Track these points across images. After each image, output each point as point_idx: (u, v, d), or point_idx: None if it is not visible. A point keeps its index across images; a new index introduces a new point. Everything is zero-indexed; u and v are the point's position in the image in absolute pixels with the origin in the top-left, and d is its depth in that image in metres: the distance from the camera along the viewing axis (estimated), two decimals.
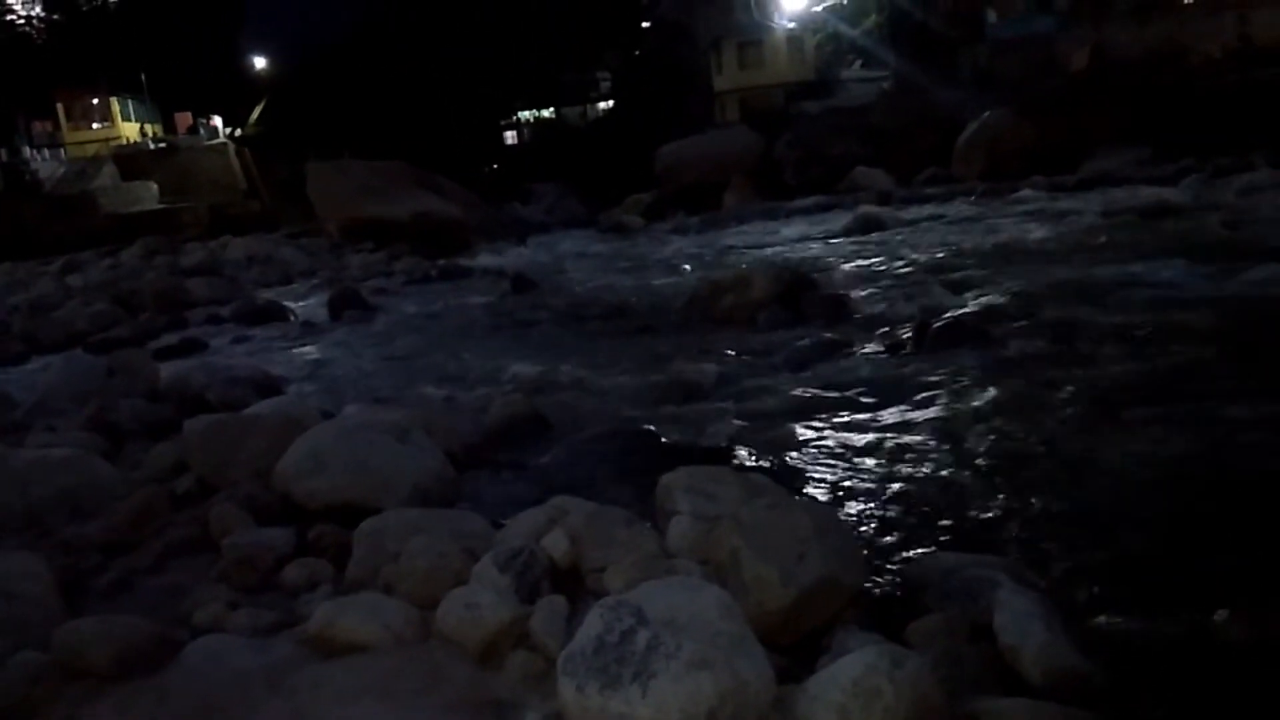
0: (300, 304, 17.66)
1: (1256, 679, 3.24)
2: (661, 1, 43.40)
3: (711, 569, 3.87)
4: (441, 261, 22.07)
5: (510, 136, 47.93)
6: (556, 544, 4.14)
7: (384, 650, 3.67)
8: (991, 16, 35.76)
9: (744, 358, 9.27)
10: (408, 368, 10.53)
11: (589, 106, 47.95)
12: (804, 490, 5.41)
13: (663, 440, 6.39)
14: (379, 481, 5.29)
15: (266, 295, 18.73)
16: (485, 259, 23.26)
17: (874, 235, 19.28)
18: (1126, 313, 9.35)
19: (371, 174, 29.43)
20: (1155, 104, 25.56)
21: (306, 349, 12.85)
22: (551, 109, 48.81)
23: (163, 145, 48.52)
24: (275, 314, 16.09)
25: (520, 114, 48.83)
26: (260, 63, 53.63)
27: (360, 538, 4.57)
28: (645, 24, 45.39)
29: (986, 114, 27.68)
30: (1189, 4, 31.86)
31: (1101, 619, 3.73)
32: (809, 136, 32.34)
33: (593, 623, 3.09)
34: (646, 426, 6.75)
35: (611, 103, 46.88)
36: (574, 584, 4.05)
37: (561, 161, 37.55)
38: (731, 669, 2.91)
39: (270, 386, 8.90)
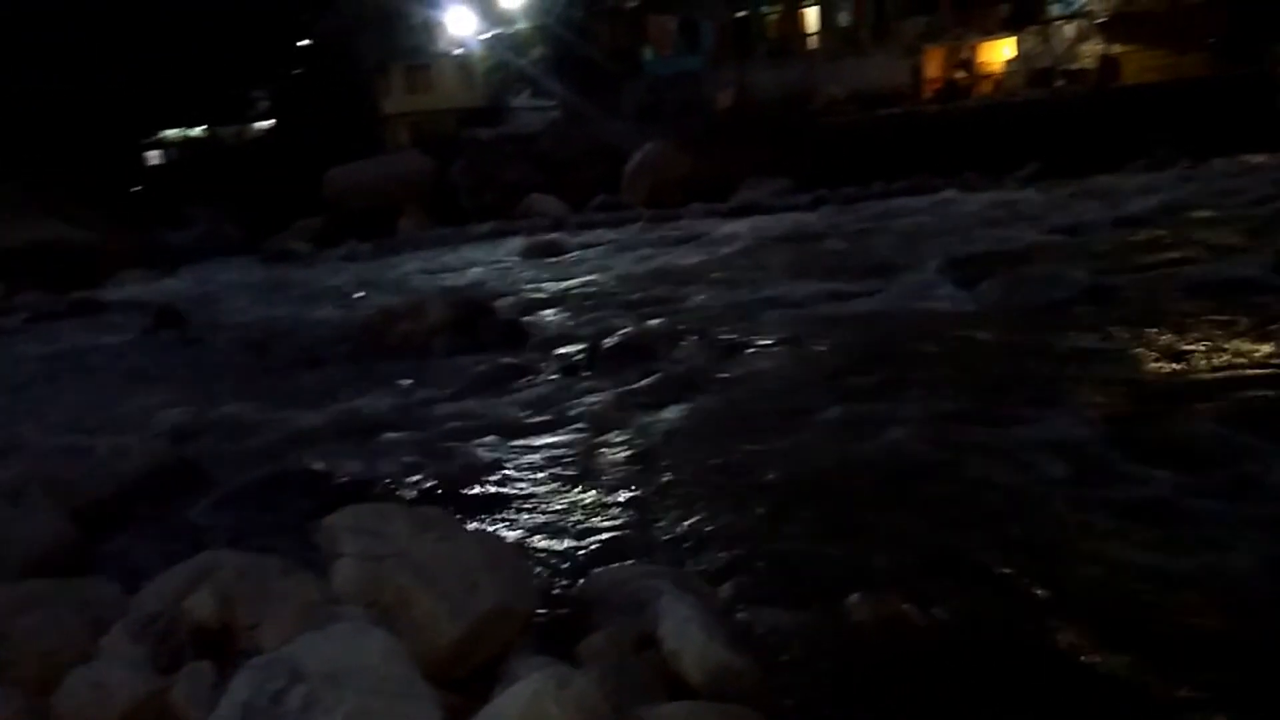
0: None
1: (880, 653, 3.62)
2: (321, 20, 41.70)
3: (379, 611, 3.69)
4: (73, 295, 19.60)
5: (155, 156, 43.79)
6: (202, 604, 3.75)
7: None
8: (648, 54, 38.04)
9: (419, 387, 9.05)
10: (23, 417, 9.16)
11: (245, 126, 44.95)
12: (478, 519, 5.35)
13: (330, 480, 6.06)
14: None
15: None
16: (127, 290, 21.05)
17: (549, 260, 19.71)
18: (776, 328, 10.20)
19: None
20: (790, 139, 28.43)
21: None
22: (202, 128, 45.21)
23: None
24: None
25: (166, 132, 44.75)
26: None
27: None
28: (304, 42, 43.38)
29: (648, 145, 29.32)
30: (815, 50, 35.83)
31: (755, 614, 3.99)
32: (482, 162, 32.51)
33: (239, 687, 2.82)
34: (312, 466, 6.37)
35: (271, 122, 44.28)
36: (225, 646, 3.69)
37: (217, 184, 34.78)
38: (396, 716, 2.77)
39: None
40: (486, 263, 20.74)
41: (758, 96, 33.21)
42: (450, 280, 18.20)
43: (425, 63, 42.38)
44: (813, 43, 36.18)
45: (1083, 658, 3.53)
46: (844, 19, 35.77)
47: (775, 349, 9.21)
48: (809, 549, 4.73)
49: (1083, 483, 5.08)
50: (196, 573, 4.03)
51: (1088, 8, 30.74)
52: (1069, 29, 30.98)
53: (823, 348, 9.12)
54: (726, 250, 18.18)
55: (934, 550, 4.54)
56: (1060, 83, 29.49)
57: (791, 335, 9.68)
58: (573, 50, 38.47)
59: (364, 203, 30.47)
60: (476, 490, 5.95)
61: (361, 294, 17.33)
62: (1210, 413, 5.96)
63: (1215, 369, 7.04)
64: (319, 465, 6.42)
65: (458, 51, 43.50)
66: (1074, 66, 30.14)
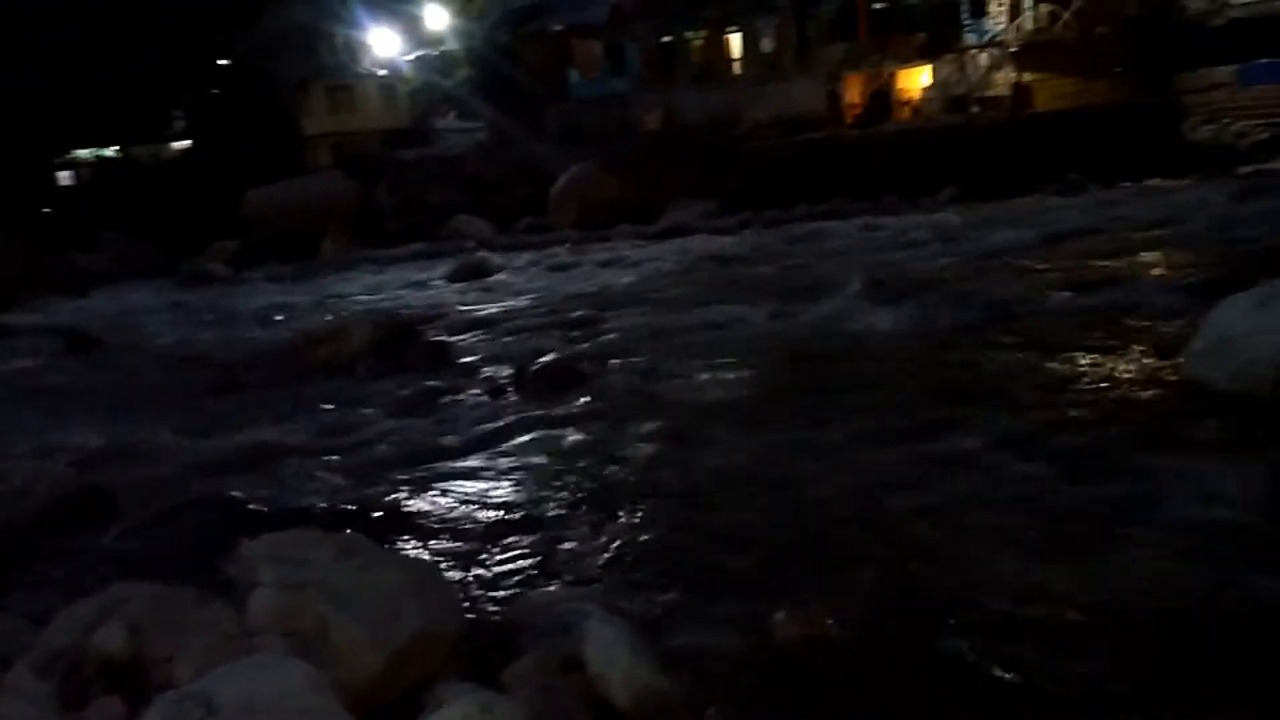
0: None
1: (805, 668, 3.67)
2: (240, 39, 40.93)
3: (299, 641, 3.60)
4: None
5: (66, 177, 42.35)
6: (112, 637, 3.62)
7: None
8: (574, 76, 38.21)
9: (341, 410, 8.90)
10: None
11: (161, 146, 43.77)
12: (402, 544, 5.27)
13: (248, 507, 5.91)
14: None
15: None
16: (37, 315, 20.27)
17: (476, 282, 19.58)
18: (701, 351, 10.27)
19: None
20: (717, 162, 28.79)
21: None
22: (115, 147, 43.90)
23: None
24: None
25: (77, 152, 43.33)
26: None
27: None
28: (223, 61, 42.50)
29: (575, 167, 29.39)
30: (739, 75, 36.40)
31: (683, 635, 4.01)
32: (408, 184, 32.19)
33: None
34: (231, 493, 6.21)
35: (188, 142, 43.20)
36: (136, 680, 3.56)
37: (131, 205, 33.74)
38: None
39: None
40: (412, 285, 20.50)
41: (684, 120, 33.57)
42: (374, 302, 17.95)
43: (348, 83, 41.89)
44: (737, 68, 36.76)
45: (1004, 664, 3.62)
46: (767, 45, 36.44)
47: (701, 371, 9.28)
48: (735, 568, 4.77)
49: (992, 496, 5.24)
50: (106, 605, 3.89)
51: (1001, 37, 31.87)
52: (983, 57, 32.05)
53: (748, 370, 9.22)
54: (653, 272, 18.29)
55: (856, 565, 4.62)
56: (975, 109, 30.47)
57: (717, 358, 9.76)
58: (499, 72, 38.42)
59: (285, 224, 29.88)
60: (400, 515, 5.86)
61: (282, 317, 16.98)
62: (1105, 427, 6.24)
63: (1110, 385, 7.37)
64: (237, 492, 6.26)
65: (381, 72, 43.11)
66: (988, 94, 31.16)
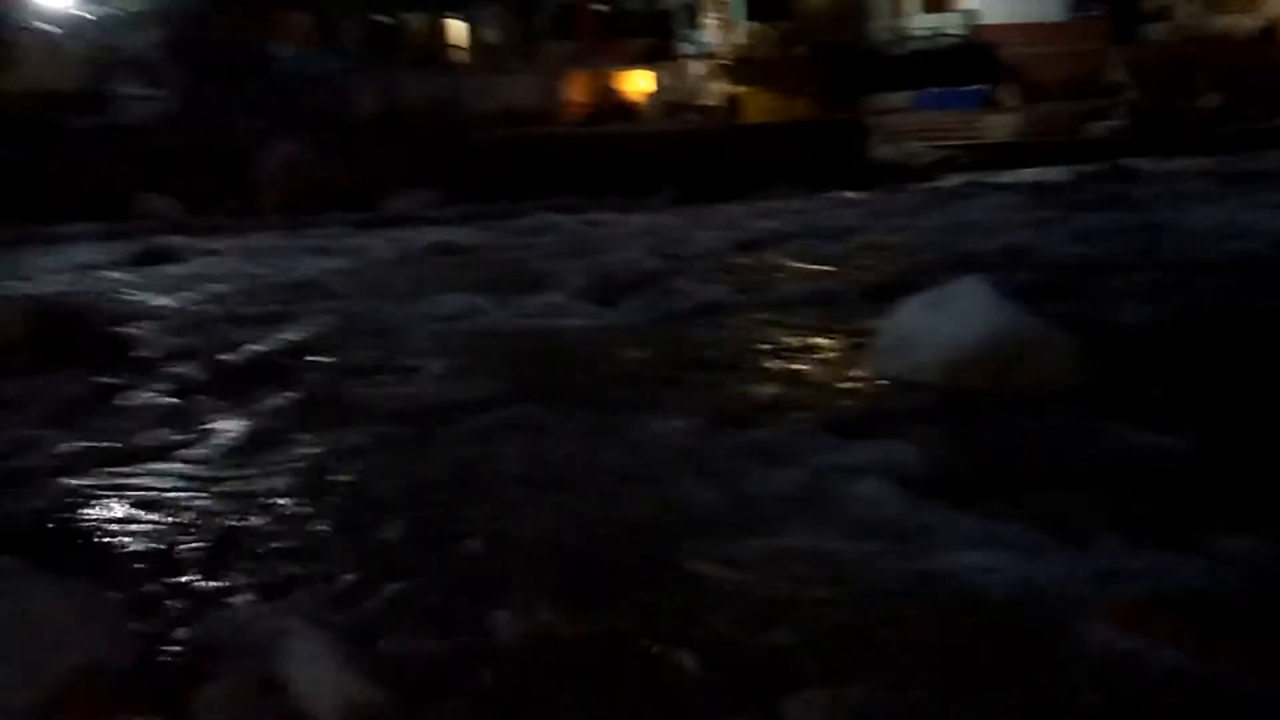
0: None
1: (528, 670, 3.55)
2: None
3: None
4: None
5: None
6: None
7: None
8: (283, 50, 35.94)
9: None
10: None
11: None
12: (66, 568, 4.55)
13: None
14: None
15: None
16: None
17: (164, 267, 17.80)
18: (419, 346, 9.89)
19: None
20: (440, 151, 28.22)
21: None
22: None
23: None
24: None
25: None
26: None
27: None
28: None
29: (283, 147, 27.61)
30: (462, 64, 35.86)
31: (397, 643, 3.75)
32: (80, 155, 28.68)
33: None
34: None
35: None
36: None
37: None
38: None
39: None
40: (84, 269, 18.13)
41: (405, 105, 32.60)
42: (34, 289, 15.62)
43: (3, 38, 36.69)
44: (459, 56, 36.24)
45: (728, 650, 3.67)
46: (490, 36, 36.22)
47: (417, 368, 8.93)
48: (451, 571, 4.55)
49: (694, 485, 5.37)
50: None
51: (713, 49, 33.72)
52: (699, 67, 33.77)
53: (469, 366, 9.00)
54: (371, 262, 17.58)
55: (578, 559, 4.57)
56: (691, 116, 32.08)
57: (435, 353, 9.44)
58: (194, 38, 35.28)
59: None
60: (64, 535, 5.07)
61: None
62: (799, 417, 6.68)
63: (804, 379, 7.96)
64: None
65: (48, 28, 38.13)
66: (705, 103, 32.92)
